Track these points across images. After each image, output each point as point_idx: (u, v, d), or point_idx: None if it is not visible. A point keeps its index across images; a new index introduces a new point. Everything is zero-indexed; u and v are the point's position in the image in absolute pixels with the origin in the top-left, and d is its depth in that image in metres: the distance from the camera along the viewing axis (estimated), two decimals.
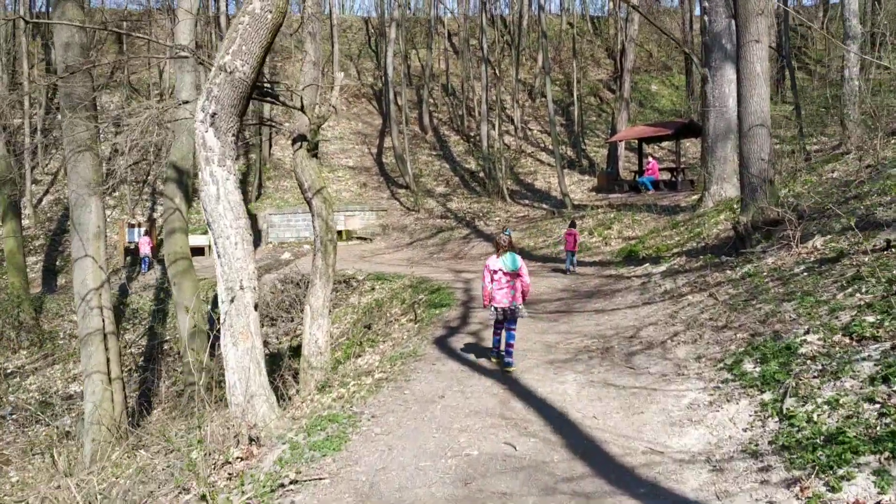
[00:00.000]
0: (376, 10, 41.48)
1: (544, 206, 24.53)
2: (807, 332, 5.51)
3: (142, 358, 18.87)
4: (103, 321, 11.76)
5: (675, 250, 13.24)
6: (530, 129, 34.15)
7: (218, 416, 5.75)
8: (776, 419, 4.37)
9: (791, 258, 8.26)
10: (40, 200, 27.06)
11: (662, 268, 11.94)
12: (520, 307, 6.85)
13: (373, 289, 16.96)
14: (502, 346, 7.07)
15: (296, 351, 13.79)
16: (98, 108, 13.55)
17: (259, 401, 5.60)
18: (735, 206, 14.69)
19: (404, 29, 37.38)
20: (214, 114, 5.52)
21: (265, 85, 7.64)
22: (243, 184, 30.16)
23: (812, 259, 7.88)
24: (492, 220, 23.61)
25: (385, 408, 5.83)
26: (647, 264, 12.81)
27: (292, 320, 17.97)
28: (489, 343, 8.26)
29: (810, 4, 42.32)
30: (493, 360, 7.24)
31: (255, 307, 5.70)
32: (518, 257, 6.92)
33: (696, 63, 15.90)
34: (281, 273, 20.98)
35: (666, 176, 23.45)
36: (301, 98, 8.02)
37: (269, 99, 8.40)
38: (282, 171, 30.12)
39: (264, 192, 29.06)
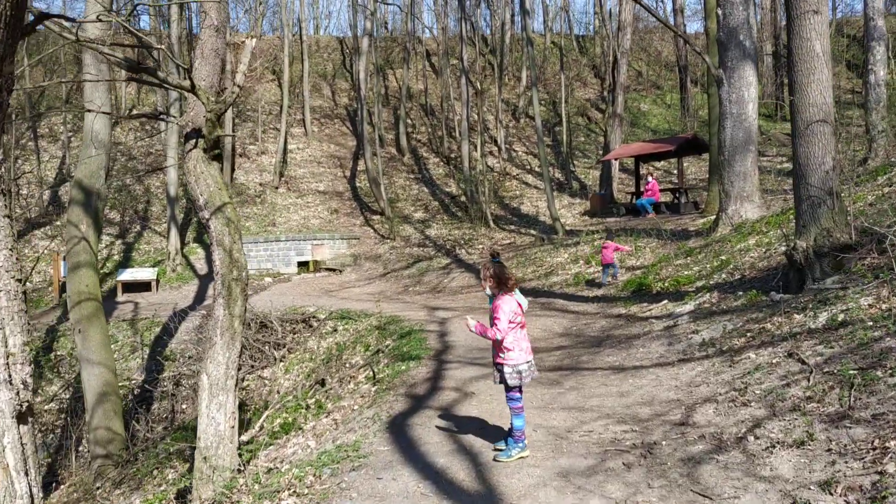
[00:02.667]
0: (350, 28, 39.28)
1: (532, 231, 22.06)
2: None
3: (63, 416, 15.88)
4: None
5: (698, 283, 10.74)
6: (515, 151, 31.84)
7: None
8: None
9: None
10: None
11: (689, 306, 9.42)
12: None
13: (335, 330, 14.23)
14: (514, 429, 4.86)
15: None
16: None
17: None
18: (763, 228, 12.30)
19: (379, 47, 35.18)
20: None
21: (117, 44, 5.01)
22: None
23: None
24: (474, 248, 21.06)
25: None
26: (666, 301, 10.29)
27: (239, 368, 15.16)
28: (467, 426, 5.62)
29: None
30: (521, 452, 4.76)
31: (22, 417, 3.03)
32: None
33: (709, 64, 13.63)
34: None
35: (667, 197, 21.11)
36: (190, 75, 5.42)
37: (144, 77, 5.84)
38: (245, 197, 27.43)
39: None
